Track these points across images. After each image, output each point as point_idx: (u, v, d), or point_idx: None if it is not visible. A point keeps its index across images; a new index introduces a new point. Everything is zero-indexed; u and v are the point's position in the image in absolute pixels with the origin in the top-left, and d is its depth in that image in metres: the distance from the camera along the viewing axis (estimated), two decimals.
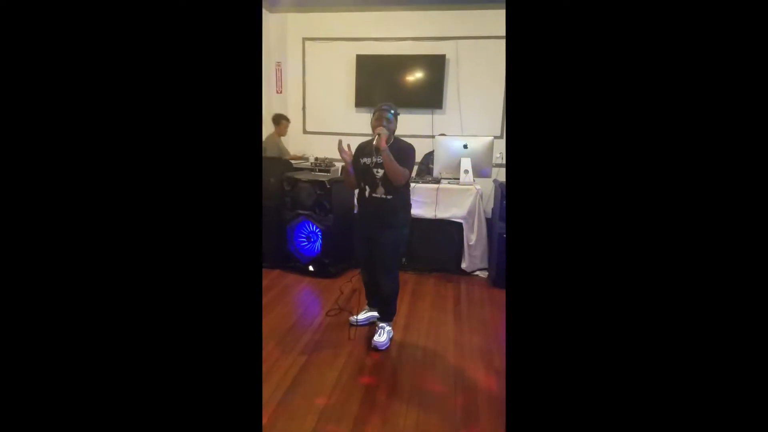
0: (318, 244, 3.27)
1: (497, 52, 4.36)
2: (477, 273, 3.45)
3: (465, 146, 3.34)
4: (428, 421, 1.69)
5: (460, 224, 3.37)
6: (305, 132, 5.14)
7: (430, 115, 4.76)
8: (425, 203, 3.35)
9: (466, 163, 3.32)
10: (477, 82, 4.59)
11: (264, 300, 2.81)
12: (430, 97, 4.69)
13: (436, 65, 4.62)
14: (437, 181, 3.45)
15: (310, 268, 3.29)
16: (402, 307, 2.69)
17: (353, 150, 2.25)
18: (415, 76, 4.71)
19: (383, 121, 2.12)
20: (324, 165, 4.02)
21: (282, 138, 4.46)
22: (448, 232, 3.41)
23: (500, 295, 3.03)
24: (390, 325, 2.36)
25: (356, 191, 2.38)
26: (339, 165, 4.16)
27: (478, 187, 3.35)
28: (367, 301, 2.55)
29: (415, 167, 3.51)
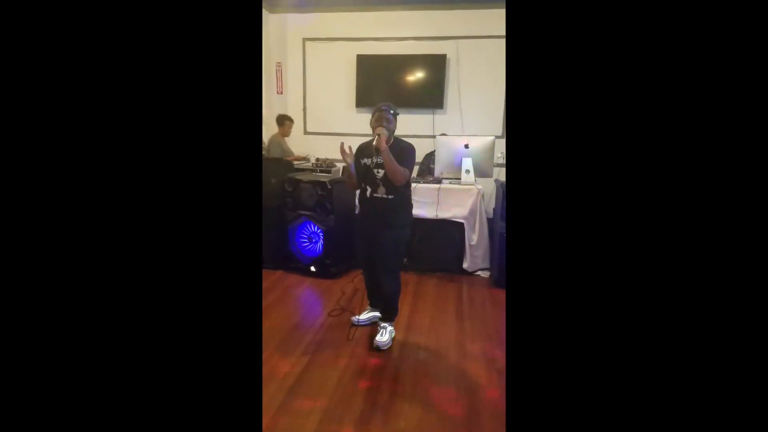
0: (319, 244, 3.27)
1: (498, 51, 4.36)
2: (479, 273, 3.45)
3: (466, 146, 3.34)
4: (430, 421, 1.69)
5: (462, 224, 3.36)
6: (306, 133, 5.14)
7: (431, 115, 4.76)
8: (426, 203, 3.35)
9: (467, 163, 3.32)
10: (478, 82, 4.59)
11: (266, 301, 2.82)
12: (431, 96, 4.69)
13: (436, 65, 4.62)
14: (438, 181, 3.45)
15: (312, 268, 3.29)
16: (404, 307, 2.69)
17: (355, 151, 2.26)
18: (416, 75, 4.71)
19: (382, 121, 2.13)
20: (325, 165, 4.02)
21: (285, 138, 4.47)
22: (450, 232, 3.41)
23: (502, 295, 3.03)
24: (392, 325, 2.36)
25: (357, 191, 2.38)
26: (340, 165, 4.17)
27: (479, 186, 3.35)
28: (369, 302, 2.56)
29: (416, 167, 3.51)
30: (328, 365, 2.08)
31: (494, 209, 3.62)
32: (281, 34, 4.92)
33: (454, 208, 3.35)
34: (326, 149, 4.29)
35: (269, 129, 4.61)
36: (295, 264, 3.37)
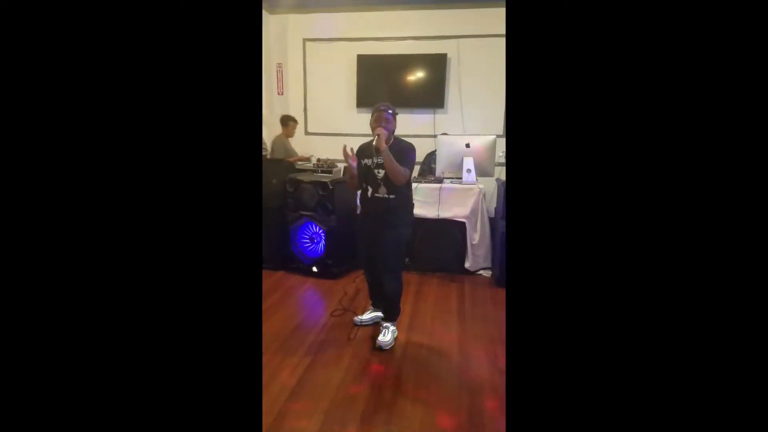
0: (321, 245, 3.27)
1: (498, 50, 4.35)
2: (480, 272, 3.44)
3: (467, 145, 3.34)
4: (433, 420, 1.69)
5: (463, 224, 3.36)
6: (307, 133, 5.15)
7: (432, 115, 4.76)
8: (428, 203, 3.35)
9: (468, 163, 3.32)
10: (478, 81, 4.58)
11: (268, 302, 2.82)
12: (432, 96, 4.69)
13: (437, 64, 4.62)
14: (440, 180, 3.44)
15: (314, 269, 3.29)
16: (406, 306, 2.69)
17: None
18: (417, 75, 4.71)
19: (381, 121, 2.13)
20: (326, 166, 4.02)
21: (289, 139, 4.47)
22: (451, 231, 3.40)
23: (503, 295, 3.01)
24: (394, 325, 2.36)
25: (359, 192, 2.39)
26: (341, 166, 4.17)
27: (480, 186, 3.34)
28: (371, 301, 2.56)
29: (417, 167, 3.51)
30: (330, 365, 2.08)
31: (496, 208, 3.61)
32: (281, 35, 4.92)
33: (455, 208, 3.35)
34: (327, 150, 4.29)
35: (270, 130, 4.62)
36: (296, 264, 3.37)
